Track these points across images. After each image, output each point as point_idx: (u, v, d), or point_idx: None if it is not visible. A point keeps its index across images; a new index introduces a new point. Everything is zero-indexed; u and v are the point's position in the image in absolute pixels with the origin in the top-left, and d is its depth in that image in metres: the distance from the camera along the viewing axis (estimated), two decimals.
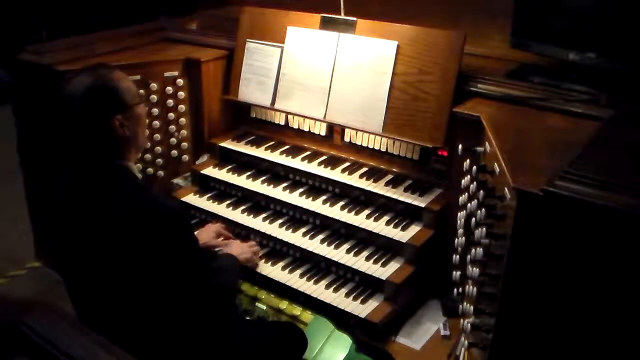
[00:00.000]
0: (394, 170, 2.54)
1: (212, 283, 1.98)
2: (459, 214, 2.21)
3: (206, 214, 2.67)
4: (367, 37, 2.51)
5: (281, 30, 2.73)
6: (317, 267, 2.40)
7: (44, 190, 2.03)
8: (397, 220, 2.37)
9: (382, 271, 2.24)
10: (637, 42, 2.04)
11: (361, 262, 2.29)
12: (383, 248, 2.35)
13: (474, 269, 1.87)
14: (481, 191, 1.89)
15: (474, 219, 1.92)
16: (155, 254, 1.79)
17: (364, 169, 2.57)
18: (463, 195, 2.14)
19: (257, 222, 2.55)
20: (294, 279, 2.35)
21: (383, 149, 2.55)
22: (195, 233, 2.30)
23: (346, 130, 2.63)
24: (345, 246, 2.38)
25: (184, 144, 2.93)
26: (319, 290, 2.30)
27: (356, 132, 2.60)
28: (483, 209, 1.85)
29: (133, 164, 1.96)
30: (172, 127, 2.88)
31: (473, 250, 1.88)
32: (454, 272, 2.20)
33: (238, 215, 2.60)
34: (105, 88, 1.84)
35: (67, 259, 1.96)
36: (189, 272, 1.88)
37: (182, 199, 2.73)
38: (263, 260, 2.45)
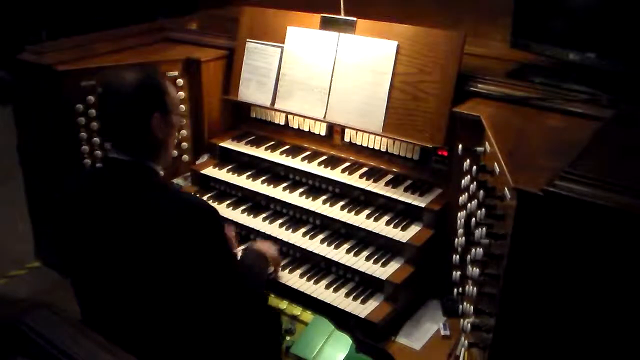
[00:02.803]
0: (394, 170, 2.54)
1: (242, 285, 1.99)
2: (459, 214, 2.21)
3: None
4: (367, 37, 2.51)
5: (281, 30, 2.73)
6: (317, 267, 2.40)
7: (59, 186, 2.02)
8: (397, 220, 2.37)
9: (382, 271, 2.24)
10: (637, 42, 2.05)
11: (361, 262, 2.29)
12: (383, 248, 2.35)
13: (474, 269, 1.87)
14: (481, 191, 1.89)
15: (474, 219, 1.92)
16: (190, 253, 1.79)
17: (364, 169, 2.57)
18: (463, 195, 2.14)
19: (257, 222, 2.55)
20: (294, 279, 2.36)
21: (383, 149, 2.55)
22: None
23: (346, 130, 2.63)
24: (345, 246, 2.38)
25: (184, 144, 2.93)
26: (319, 290, 2.30)
27: (356, 132, 2.60)
28: (483, 209, 1.85)
29: (161, 170, 1.97)
30: None
31: (473, 250, 1.88)
32: (454, 272, 2.20)
33: (238, 215, 2.60)
34: (155, 86, 1.89)
35: (82, 257, 1.94)
36: (222, 271, 1.90)
37: None
38: None
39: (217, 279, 1.89)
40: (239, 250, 2.40)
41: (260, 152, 2.76)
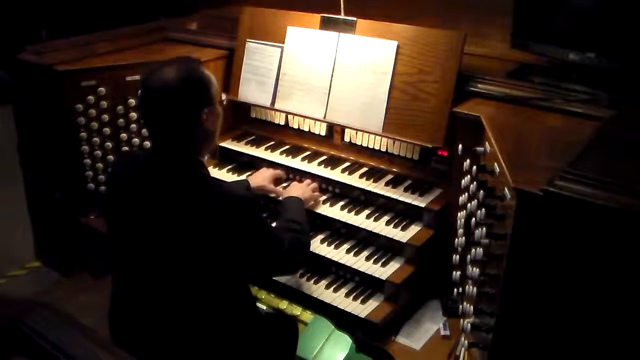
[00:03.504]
0: (394, 170, 2.54)
1: (283, 252, 2.00)
2: (459, 214, 2.21)
3: None
4: (367, 37, 2.51)
5: (281, 30, 2.73)
6: (317, 267, 2.39)
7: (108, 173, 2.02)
8: (397, 220, 2.37)
9: (382, 271, 2.24)
10: (637, 42, 2.04)
11: (361, 262, 2.29)
12: (383, 248, 2.35)
13: (474, 269, 1.87)
14: (481, 191, 1.89)
15: (474, 219, 1.92)
16: (232, 243, 1.82)
17: (364, 169, 2.57)
18: (463, 195, 2.14)
19: None
20: (294, 279, 2.35)
21: (383, 149, 2.55)
22: (251, 176, 2.52)
23: (346, 130, 2.63)
24: (345, 246, 2.38)
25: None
26: (319, 290, 2.30)
27: (356, 132, 2.60)
28: (483, 209, 1.85)
29: (205, 160, 1.99)
30: None
31: (473, 250, 1.88)
32: (454, 272, 2.20)
33: None
34: (200, 80, 1.86)
35: (128, 247, 1.95)
36: (264, 257, 1.95)
37: None
38: None
39: (262, 264, 1.97)
40: (287, 189, 2.48)
41: (260, 152, 2.76)
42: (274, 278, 2.33)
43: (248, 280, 2.09)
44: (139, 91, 1.89)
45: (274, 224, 2.31)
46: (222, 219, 1.80)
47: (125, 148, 2.79)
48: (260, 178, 2.54)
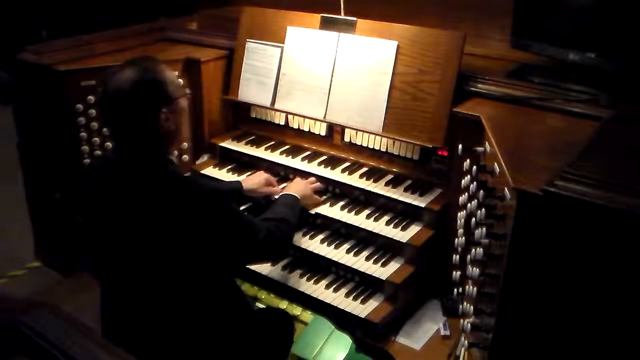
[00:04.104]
0: (394, 170, 2.54)
1: (259, 241, 2.00)
2: (459, 214, 2.21)
3: None
4: (367, 37, 2.50)
5: (281, 30, 2.73)
6: (317, 267, 2.40)
7: (76, 179, 2.02)
8: (397, 220, 2.37)
9: (382, 271, 2.24)
10: (637, 42, 2.04)
11: (361, 262, 2.29)
12: (383, 248, 2.35)
13: (474, 269, 1.87)
14: (481, 191, 1.89)
15: (474, 219, 1.92)
16: (203, 237, 1.83)
17: (364, 169, 2.57)
18: (463, 195, 2.14)
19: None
20: (294, 279, 2.35)
21: (383, 149, 2.55)
22: (246, 179, 2.52)
23: (346, 130, 2.63)
24: (345, 246, 2.38)
25: (184, 144, 2.92)
26: (319, 290, 2.30)
27: (356, 132, 2.60)
28: (483, 209, 1.85)
29: (173, 156, 1.97)
30: None
31: (473, 250, 1.88)
32: (454, 272, 2.20)
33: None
34: (153, 81, 1.84)
35: (106, 249, 1.96)
36: (242, 246, 1.97)
37: None
38: None
39: (239, 254, 1.99)
40: (286, 187, 2.48)
41: (260, 152, 2.76)
42: (276, 281, 2.34)
43: (227, 270, 2.07)
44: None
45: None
46: (193, 213, 1.80)
47: None
48: (254, 181, 2.52)
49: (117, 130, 1.89)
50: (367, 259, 2.31)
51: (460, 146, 2.20)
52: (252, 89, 2.82)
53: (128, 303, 1.95)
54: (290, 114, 2.76)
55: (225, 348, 2.00)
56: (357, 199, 2.51)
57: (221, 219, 1.87)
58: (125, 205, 1.84)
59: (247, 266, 2.34)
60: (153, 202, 1.81)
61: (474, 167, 2.05)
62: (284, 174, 2.69)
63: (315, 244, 2.40)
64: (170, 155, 1.95)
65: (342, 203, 2.49)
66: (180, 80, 1.97)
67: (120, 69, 1.84)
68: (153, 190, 1.83)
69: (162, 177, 1.86)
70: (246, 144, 2.84)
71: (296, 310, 2.79)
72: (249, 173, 2.73)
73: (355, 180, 2.50)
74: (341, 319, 2.23)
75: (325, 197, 2.53)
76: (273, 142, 2.82)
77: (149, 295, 1.90)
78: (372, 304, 2.21)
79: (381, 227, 2.35)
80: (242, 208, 2.56)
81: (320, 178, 2.57)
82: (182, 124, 1.97)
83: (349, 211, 2.44)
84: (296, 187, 2.42)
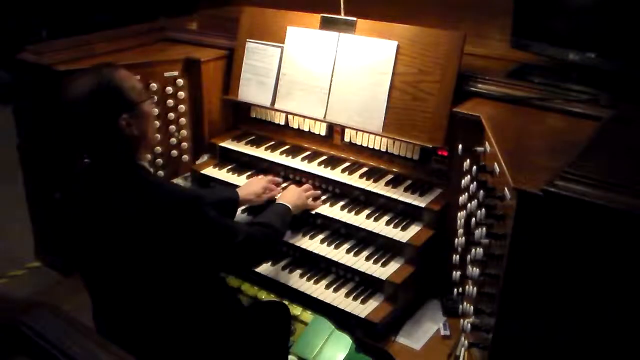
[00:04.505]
0: (394, 170, 2.54)
1: (236, 243, 1.98)
2: (459, 214, 2.21)
3: None
4: (367, 37, 2.50)
5: (281, 30, 2.73)
6: (317, 267, 2.40)
7: (61, 187, 2.02)
8: (397, 220, 2.37)
9: (382, 271, 2.24)
10: (637, 42, 2.04)
11: (361, 262, 2.29)
12: (383, 248, 2.35)
13: (474, 269, 1.87)
14: (481, 191, 1.89)
15: (474, 219, 1.92)
16: (178, 242, 1.81)
17: (364, 169, 2.57)
18: (463, 195, 2.14)
19: None
20: (294, 279, 2.35)
21: (383, 149, 2.55)
22: (240, 187, 2.49)
23: (346, 130, 2.63)
24: (345, 246, 2.38)
25: (184, 144, 2.93)
26: (319, 290, 2.30)
27: (356, 132, 2.60)
28: (483, 209, 1.85)
29: (144, 161, 1.96)
30: (172, 127, 2.88)
31: (473, 250, 1.88)
32: (454, 272, 2.20)
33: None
34: (109, 88, 1.80)
35: (87, 256, 1.97)
36: (215, 248, 1.93)
37: None
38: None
39: (215, 257, 1.95)
40: (280, 196, 2.45)
41: (260, 152, 2.76)
42: (276, 281, 2.34)
43: (207, 272, 2.04)
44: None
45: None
46: (163, 218, 1.79)
47: None
48: (251, 190, 2.49)
49: (79, 140, 1.88)
50: (367, 259, 2.31)
51: (460, 146, 2.20)
52: (252, 89, 2.82)
53: (113, 303, 1.96)
54: (290, 114, 2.76)
55: (218, 344, 2.00)
56: (357, 199, 2.51)
57: (192, 223, 1.83)
58: (100, 210, 1.83)
59: (234, 269, 2.33)
60: (124, 208, 1.80)
61: (474, 167, 2.05)
62: (284, 174, 2.69)
63: (315, 244, 2.40)
64: (140, 160, 1.91)
65: (342, 203, 2.49)
66: (141, 85, 1.93)
67: (77, 77, 1.82)
68: (124, 196, 1.82)
69: (132, 183, 1.84)
70: (246, 144, 2.84)
71: (296, 310, 2.79)
72: (248, 173, 2.73)
73: (355, 180, 2.50)
74: (341, 319, 2.23)
75: (325, 196, 2.53)
76: (273, 142, 2.82)
77: (132, 296, 1.89)
78: (372, 304, 2.21)
79: (381, 227, 2.35)
80: (241, 209, 2.56)
81: (320, 178, 2.57)
82: (149, 128, 1.93)
83: (349, 211, 2.44)
84: (289, 197, 2.38)
